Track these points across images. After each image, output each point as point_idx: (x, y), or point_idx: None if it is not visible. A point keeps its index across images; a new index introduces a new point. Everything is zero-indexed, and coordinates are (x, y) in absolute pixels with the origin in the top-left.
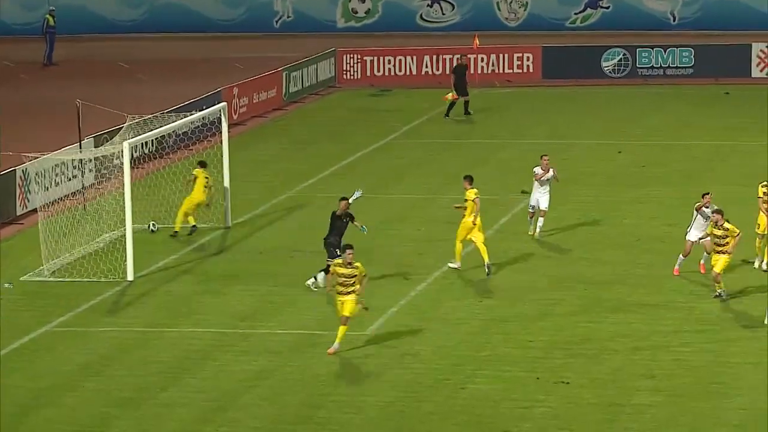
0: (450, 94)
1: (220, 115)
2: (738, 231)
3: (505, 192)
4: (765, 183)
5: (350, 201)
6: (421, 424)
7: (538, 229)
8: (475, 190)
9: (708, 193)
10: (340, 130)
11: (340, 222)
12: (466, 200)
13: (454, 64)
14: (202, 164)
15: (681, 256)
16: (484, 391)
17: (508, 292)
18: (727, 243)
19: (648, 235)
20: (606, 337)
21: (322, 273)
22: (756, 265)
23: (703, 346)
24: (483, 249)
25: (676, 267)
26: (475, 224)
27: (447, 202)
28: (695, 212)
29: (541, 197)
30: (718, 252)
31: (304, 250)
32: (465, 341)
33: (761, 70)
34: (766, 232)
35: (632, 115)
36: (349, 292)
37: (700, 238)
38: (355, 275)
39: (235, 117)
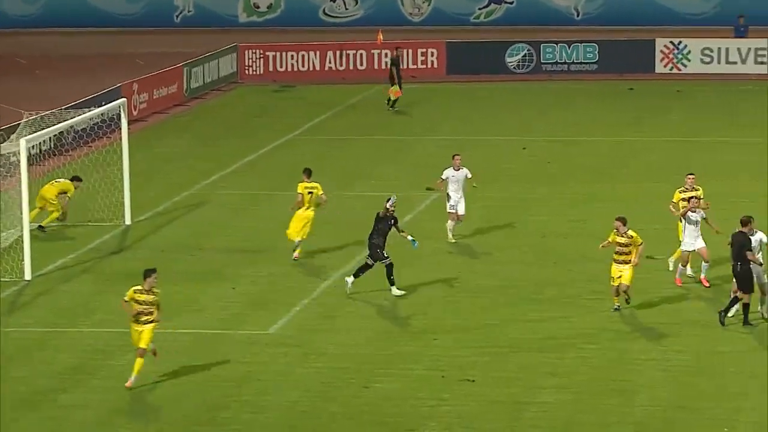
0: (395, 88)
1: (120, 111)
2: (641, 240)
3: (410, 189)
4: (682, 189)
5: (389, 206)
6: (326, 424)
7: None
8: (311, 183)
9: (694, 197)
10: (242, 126)
11: (383, 224)
12: (300, 193)
13: (389, 57)
14: (76, 179)
15: (680, 266)
16: (389, 390)
17: (414, 291)
18: (630, 252)
19: (554, 232)
20: (512, 335)
21: (352, 277)
22: (671, 267)
23: (606, 344)
24: (300, 237)
25: (677, 277)
26: (308, 218)
27: (351, 200)
28: (682, 219)
29: (459, 202)
30: (620, 262)
31: (206, 248)
32: (369, 340)
33: (665, 66)
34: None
35: (537, 111)
36: (148, 321)
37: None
38: (157, 302)
39: (135, 113)
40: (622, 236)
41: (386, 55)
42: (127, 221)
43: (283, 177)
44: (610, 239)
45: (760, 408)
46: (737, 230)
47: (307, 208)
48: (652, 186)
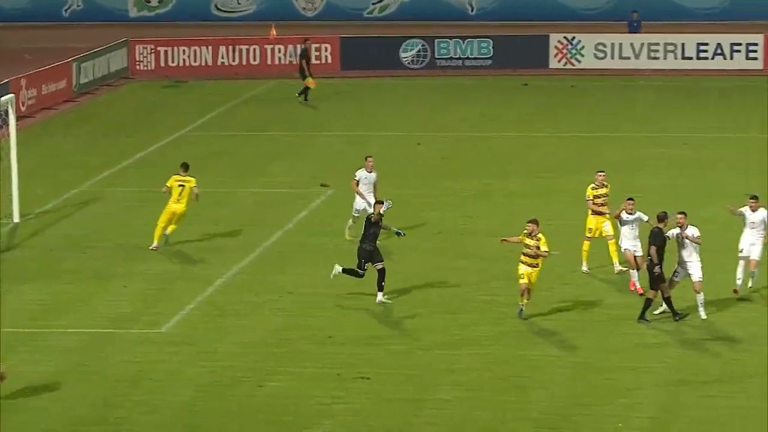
0: (309, 79)
1: (8, 107)
2: (548, 250)
3: (304, 186)
4: (594, 186)
5: (382, 212)
6: (220, 423)
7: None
8: (184, 177)
9: (631, 199)
10: (133, 122)
11: (375, 228)
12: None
13: (299, 49)
14: None
15: (631, 270)
16: (284, 389)
17: (307, 289)
18: (538, 256)
19: (450, 229)
20: (408, 332)
21: (340, 268)
22: (616, 270)
23: (502, 341)
24: (166, 229)
25: (632, 280)
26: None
27: (244, 197)
28: (618, 221)
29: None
30: (528, 264)
31: (97, 245)
32: (263, 338)
33: (558, 61)
34: (603, 235)
35: (432, 107)
36: None
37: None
38: None
39: (23, 109)
40: (533, 239)
41: (279, 50)
42: (16, 219)
43: (175, 174)
44: (520, 237)
45: (654, 403)
46: (655, 227)
47: (178, 201)
48: (547, 182)
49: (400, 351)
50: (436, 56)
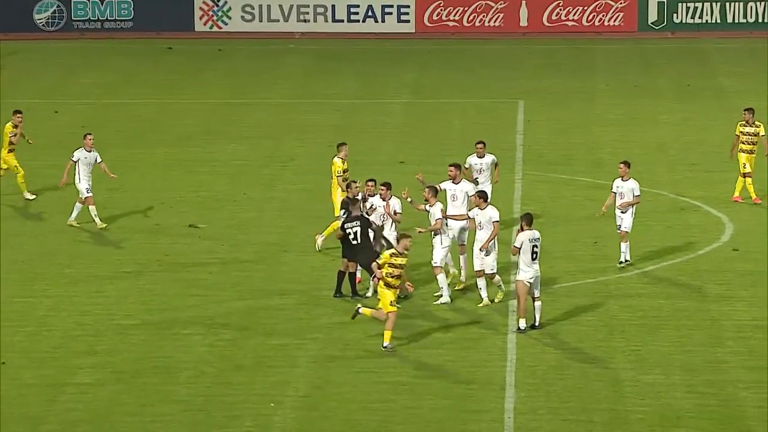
0: None
1: None
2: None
3: None
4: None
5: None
6: None
7: (73, 216)
8: None
9: (372, 180)
10: None
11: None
12: None
13: None
14: None
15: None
16: None
17: None
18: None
19: (98, 203)
20: (42, 313)
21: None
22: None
23: (148, 324)
24: None
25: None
26: None
27: None
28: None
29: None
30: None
31: None
32: None
33: (204, 24)
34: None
35: (68, 71)
36: None
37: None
38: None
39: None
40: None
41: None
42: None
43: None
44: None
45: (307, 380)
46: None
47: None
48: (192, 151)
49: (37, 333)
50: (73, 18)
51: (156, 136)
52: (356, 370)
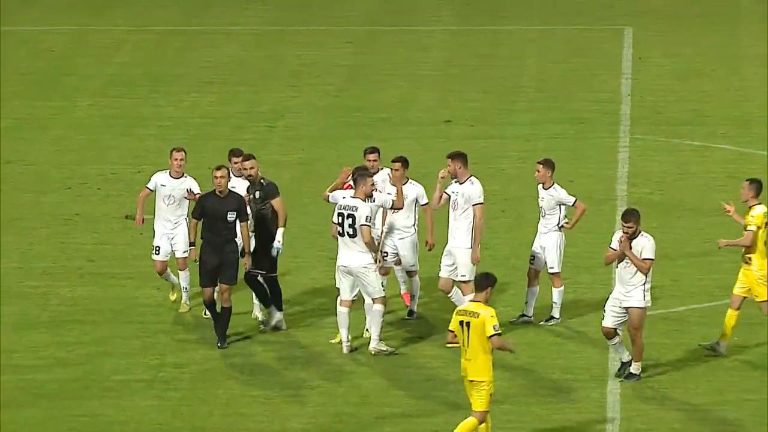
0: None
1: None
2: None
3: None
4: None
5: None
6: None
7: None
8: None
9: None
10: None
11: None
12: None
13: None
14: None
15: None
16: None
17: None
18: None
19: None
20: None
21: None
22: None
23: None
24: None
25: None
26: None
27: None
28: None
29: None
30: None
31: None
32: None
33: None
34: None
35: None
36: None
37: None
38: None
39: None
40: None
41: None
42: None
43: None
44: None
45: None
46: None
47: None
48: (129, 105)
49: None
50: None
51: (75, 82)
52: None
